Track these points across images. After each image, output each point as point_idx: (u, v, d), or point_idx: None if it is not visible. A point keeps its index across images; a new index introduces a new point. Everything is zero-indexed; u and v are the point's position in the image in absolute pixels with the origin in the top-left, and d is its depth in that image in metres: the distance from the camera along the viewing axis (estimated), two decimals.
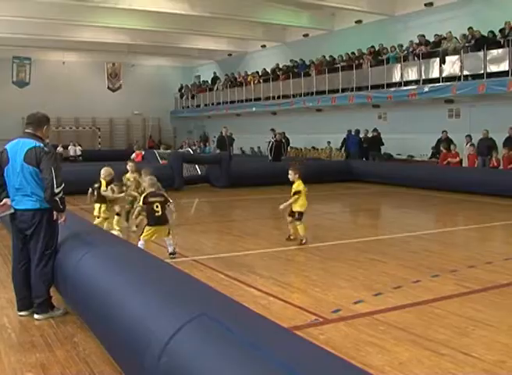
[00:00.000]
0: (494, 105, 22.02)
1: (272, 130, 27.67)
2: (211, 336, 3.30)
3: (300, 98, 31.31)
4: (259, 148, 35.35)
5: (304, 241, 10.34)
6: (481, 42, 21.94)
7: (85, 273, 5.45)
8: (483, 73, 21.79)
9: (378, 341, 5.46)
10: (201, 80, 46.15)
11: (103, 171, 11.11)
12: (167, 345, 3.40)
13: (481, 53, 22.01)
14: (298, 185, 10.61)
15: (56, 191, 5.94)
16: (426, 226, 13.56)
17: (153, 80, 45.47)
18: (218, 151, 25.52)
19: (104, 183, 10.97)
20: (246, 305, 4.32)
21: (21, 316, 6.30)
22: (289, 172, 10.81)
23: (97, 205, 11.01)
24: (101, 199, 10.97)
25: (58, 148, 37.92)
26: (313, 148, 31.90)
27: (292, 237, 10.67)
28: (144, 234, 9.18)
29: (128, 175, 12.27)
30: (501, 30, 21.80)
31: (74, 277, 5.62)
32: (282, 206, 10.61)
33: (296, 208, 10.51)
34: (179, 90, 46.42)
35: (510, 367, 4.88)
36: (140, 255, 5.97)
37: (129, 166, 12.49)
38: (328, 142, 30.33)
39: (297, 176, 10.74)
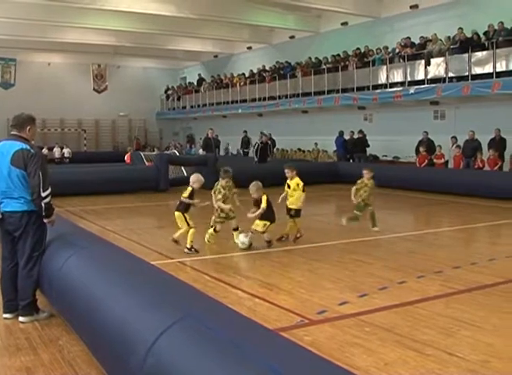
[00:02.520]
0: (479, 107, 22.16)
1: (262, 133, 27.65)
2: (196, 337, 3.30)
3: (286, 100, 31.38)
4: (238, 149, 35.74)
5: (298, 235, 10.70)
6: (466, 44, 22.07)
7: (70, 276, 5.42)
8: (468, 75, 21.94)
9: (364, 342, 5.47)
10: (187, 81, 46.11)
11: (192, 177, 10.43)
12: (152, 347, 3.39)
13: (465, 55, 22.16)
14: (298, 181, 10.69)
15: (43, 194, 5.91)
16: (411, 228, 13.62)
17: (139, 81, 45.42)
18: (201, 151, 25.58)
19: (189, 190, 10.08)
20: (231, 307, 4.32)
21: (6, 318, 6.26)
22: (286, 170, 10.83)
23: (177, 214, 10.05)
24: (183, 207, 10.01)
25: (43, 150, 37.78)
26: (299, 149, 31.93)
27: (284, 238, 10.77)
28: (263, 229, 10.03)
29: (222, 182, 11.19)
30: (485, 33, 21.95)
31: (59, 280, 5.60)
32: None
33: (294, 205, 10.69)
34: (165, 91, 46.37)
35: (495, 367, 4.91)
36: (126, 257, 5.94)
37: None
38: (316, 144, 30.37)
39: (295, 172, 10.80)
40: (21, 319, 6.18)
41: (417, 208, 17.18)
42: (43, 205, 5.95)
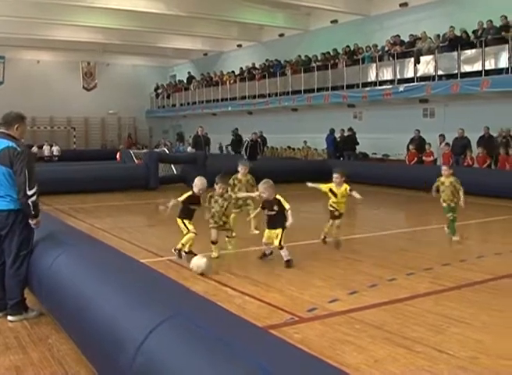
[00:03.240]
0: (468, 105, 22.22)
1: (255, 133, 27.61)
2: (185, 335, 3.30)
3: (276, 98, 31.38)
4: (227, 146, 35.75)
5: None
6: (455, 42, 22.14)
7: (59, 274, 5.41)
8: (457, 73, 22.01)
9: (354, 340, 5.48)
10: (177, 79, 46.04)
11: (196, 180, 9.31)
12: (142, 345, 3.39)
13: (455, 53, 22.22)
14: (347, 186, 10.09)
15: (29, 193, 5.87)
16: (401, 225, 13.67)
17: (128, 79, 45.24)
18: (190, 149, 25.55)
19: (187, 193, 9.19)
20: (221, 305, 4.33)
21: None
22: (335, 175, 10.07)
23: (178, 220, 9.35)
24: (181, 212, 9.26)
25: (32, 148, 37.63)
26: (289, 147, 31.94)
27: (326, 239, 10.37)
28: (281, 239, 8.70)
29: (239, 176, 11.37)
30: (474, 32, 22.02)
31: (48, 278, 5.58)
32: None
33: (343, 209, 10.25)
34: (155, 89, 46.26)
35: (484, 363, 4.93)
36: (115, 255, 5.92)
37: (243, 167, 11.51)
38: (305, 142, 30.39)
39: (343, 179, 10.11)
40: (10, 318, 6.16)
41: (407, 205, 17.24)
42: (30, 203, 5.91)
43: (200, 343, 3.17)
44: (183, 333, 3.33)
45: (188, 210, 9.16)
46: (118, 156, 28.73)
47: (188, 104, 41.01)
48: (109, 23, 32.27)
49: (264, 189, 8.69)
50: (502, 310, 6.45)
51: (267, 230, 8.74)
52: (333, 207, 10.13)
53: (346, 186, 9.98)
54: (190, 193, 9.10)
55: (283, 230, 8.55)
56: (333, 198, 10.05)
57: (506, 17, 21.06)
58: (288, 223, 8.44)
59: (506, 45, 20.61)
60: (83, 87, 44.72)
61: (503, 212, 14.57)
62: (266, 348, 3.10)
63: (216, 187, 9.32)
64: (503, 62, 20.73)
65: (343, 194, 10.02)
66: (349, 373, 3.00)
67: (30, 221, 6.05)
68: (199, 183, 9.13)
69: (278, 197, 8.63)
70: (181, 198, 9.09)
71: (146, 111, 46.72)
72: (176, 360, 3.10)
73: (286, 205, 8.49)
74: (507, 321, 6.11)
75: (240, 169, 11.44)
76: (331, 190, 10.03)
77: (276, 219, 8.61)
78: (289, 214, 8.46)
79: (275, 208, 8.56)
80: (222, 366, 2.88)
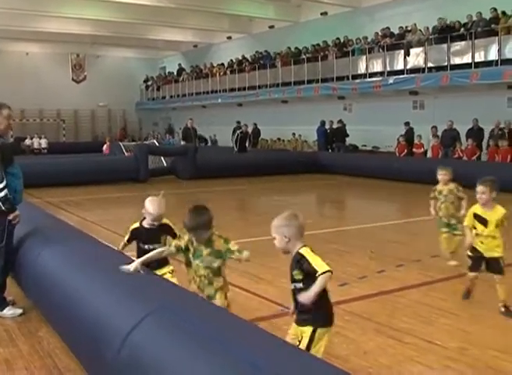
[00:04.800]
0: (457, 97, 22.27)
1: (245, 125, 27.59)
2: (170, 328, 3.30)
3: (266, 90, 31.35)
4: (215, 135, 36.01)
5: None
6: (446, 31, 22.21)
7: (45, 268, 5.39)
8: (447, 65, 22.05)
9: (343, 331, 5.50)
10: (167, 71, 45.90)
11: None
12: (127, 338, 3.39)
13: (444, 45, 22.27)
14: (500, 210, 6.50)
15: None
16: (391, 217, 13.69)
17: (118, 71, 45.06)
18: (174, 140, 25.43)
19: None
20: None
21: None
22: (481, 189, 6.74)
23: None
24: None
25: (26, 141, 37.50)
26: (278, 139, 31.95)
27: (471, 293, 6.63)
28: None
29: (440, 186, 8.76)
30: (464, 24, 22.07)
31: (34, 273, 5.57)
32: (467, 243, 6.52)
33: (498, 251, 6.31)
34: (145, 81, 46.10)
35: (472, 354, 4.97)
36: (102, 249, 5.90)
37: (443, 173, 8.78)
38: (293, 134, 30.40)
39: (494, 194, 6.63)
40: None
41: (397, 197, 17.28)
42: None
43: (184, 336, 3.18)
44: (168, 326, 3.34)
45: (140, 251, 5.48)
46: (105, 148, 28.67)
47: (178, 96, 40.91)
48: (99, 15, 32.11)
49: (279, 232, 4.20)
50: (490, 301, 6.48)
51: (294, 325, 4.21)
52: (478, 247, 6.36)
53: (501, 209, 6.53)
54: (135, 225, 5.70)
55: (328, 328, 4.19)
56: (480, 229, 6.39)
57: (495, 9, 21.11)
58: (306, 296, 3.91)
59: (496, 38, 20.67)
60: (73, 79, 44.56)
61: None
62: (253, 341, 3.10)
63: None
64: (493, 55, 20.79)
65: (497, 220, 6.38)
66: (336, 366, 3.00)
67: (9, 217, 5.89)
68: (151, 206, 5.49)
69: (306, 250, 4.09)
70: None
71: (136, 103, 46.57)
72: (160, 353, 3.10)
73: (322, 268, 3.95)
74: (496, 312, 6.13)
75: (439, 175, 8.77)
76: (477, 216, 6.54)
77: (319, 307, 4.05)
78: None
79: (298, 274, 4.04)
80: (208, 359, 2.88)
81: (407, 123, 22.97)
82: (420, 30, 23.81)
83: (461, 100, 22.07)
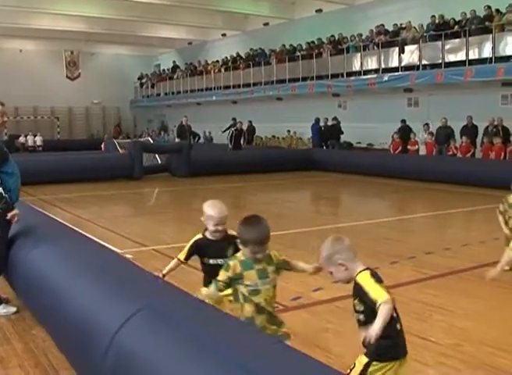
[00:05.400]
0: (452, 94, 22.30)
1: (234, 119, 27.63)
2: (159, 327, 3.26)
3: (261, 87, 31.36)
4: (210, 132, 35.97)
5: None
6: (442, 28, 22.27)
7: (34, 268, 5.35)
8: (441, 63, 22.09)
9: (338, 328, 5.50)
10: (161, 68, 45.85)
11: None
12: (114, 338, 3.36)
13: (439, 43, 22.31)
14: None
15: None
16: (385, 214, 13.70)
17: (112, 68, 44.95)
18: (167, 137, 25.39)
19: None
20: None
21: None
22: None
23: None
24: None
25: (20, 138, 37.45)
26: (273, 136, 31.95)
27: None
28: None
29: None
30: (458, 22, 22.11)
31: (24, 272, 5.55)
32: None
33: None
34: (139, 79, 46.03)
35: (466, 351, 4.97)
36: (92, 247, 5.85)
37: None
38: (288, 131, 30.43)
39: None
40: None
41: (391, 194, 17.30)
42: None
43: (170, 336, 3.14)
44: (155, 324, 3.31)
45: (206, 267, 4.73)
46: (103, 146, 28.68)
47: (172, 93, 40.87)
48: (93, 12, 32.04)
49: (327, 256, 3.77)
50: (485, 298, 6.50)
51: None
52: None
53: None
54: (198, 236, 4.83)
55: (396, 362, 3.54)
56: None
57: (489, 7, 21.15)
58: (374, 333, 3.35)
59: (490, 35, 20.71)
60: (67, 76, 44.45)
61: (487, 201, 14.59)
62: (243, 341, 3.05)
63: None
64: (487, 52, 20.83)
65: None
66: (331, 367, 2.96)
67: (8, 216, 5.86)
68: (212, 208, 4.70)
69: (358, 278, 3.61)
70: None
71: (130, 100, 46.49)
72: (148, 353, 3.06)
73: (381, 298, 3.45)
74: (490, 309, 6.16)
75: None
76: None
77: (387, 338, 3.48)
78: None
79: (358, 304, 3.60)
80: (196, 358, 2.84)
81: (403, 121, 22.99)
82: (414, 28, 23.83)
83: (456, 97, 22.10)
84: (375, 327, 3.32)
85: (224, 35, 39.01)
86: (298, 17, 32.34)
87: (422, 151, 21.77)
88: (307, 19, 31.37)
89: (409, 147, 22.17)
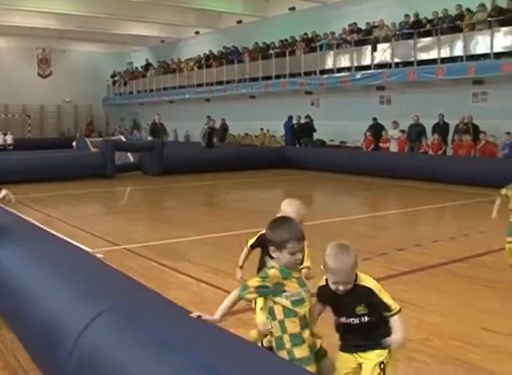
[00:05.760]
0: (424, 92, 22.46)
1: (209, 117, 27.58)
2: (122, 328, 3.22)
3: (234, 85, 31.31)
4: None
5: None
6: (415, 26, 22.44)
7: (1, 268, 5.23)
8: (413, 61, 22.25)
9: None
10: (134, 66, 45.61)
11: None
12: (78, 339, 3.31)
13: (411, 41, 22.46)
14: None
15: None
16: (358, 211, 13.76)
17: (84, 66, 44.59)
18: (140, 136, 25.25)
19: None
20: (177, 292, 4.28)
21: None
22: None
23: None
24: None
25: None
26: (246, 134, 31.93)
27: None
28: None
29: None
30: (430, 21, 22.28)
31: None
32: None
33: None
34: (112, 76, 45.73)
35: (435, 345, 5.02)
36: (59, 247, 5.77)
37: None
38: (261, 129, 30.43)
39: None
40: None
41: (364, 191, 17.39)
42: None
43: (138, 337, 3.09)
44: (120, 325, 3.26)
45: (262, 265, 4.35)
46: (74, 145, 28.43)
47: (145, 91, 40.70)
48: (64, 9, 31.76)
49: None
50: (455, 294, 6.55)
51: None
52: None
53: None
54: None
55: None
56: None
57: (460, 6, 21.37)
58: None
59: (461, 34, 20.91)
60: (39, 74, 44.02)
61: (457, 198, 14.77)
62: (213, 342, 3.01)
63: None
64: (458, 51, 21.02)
65: None
66: (302, 368, 2.94)
67: None
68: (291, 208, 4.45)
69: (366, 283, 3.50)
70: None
71: (103, 98, 46.16)
72: (111, 354, 3.03)
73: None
74: (460, 304, 6.20)
75: None
76: None
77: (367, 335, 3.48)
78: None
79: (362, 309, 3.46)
80: (162, 359, 2.79)
81: (374, 119, 23.11)
82: (387, 26, 23.96)
83: (427, 95, 22.26)
84: (403, 335, 3.42)
85: (197, 33, 38.88)
86: (272, 15, 32.33)
87: (394, 148, 21.89)
88: (280, 17, 31.38)
89: (381, 144, 22.30)
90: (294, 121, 26.53)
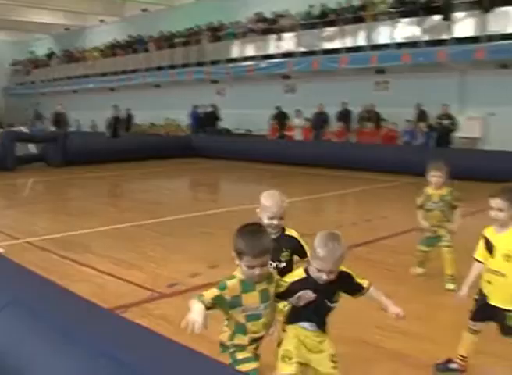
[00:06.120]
0: (328, 81, 22.83)
1: (116, 106, 27.14)
2: (23, 322, 3.16)
3: (139, 74, 31.00)
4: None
5: None
6: (319, 16, 22.82)
7: None
8: (318, 50, 22.61)
9: (215, 313, 5.50)
10: (36, 55, 44.27)
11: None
12: None
13: (316, 31, 22.80)
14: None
15: None
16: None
17: None
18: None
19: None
20: (80, 285, 4.21)
21: None
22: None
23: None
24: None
25: None
26: (152, 124, 31.63)
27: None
28: None
29: (430, 189, 6.65)
30: (335, 11, 22.68)
31: None
32: None
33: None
34: (13, 65, 44.25)
35: (338, 327, 5.13)
36: None
37: (436, 175, 6.50)
38: (167, 118, 30.24)
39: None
40: None
41: (269, 179, 17.54)
42: None
43: (36, 331, 3.05)
44: (20, 321, 3.21)
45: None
46: None
47: (48, 81, 39.66)
48: None
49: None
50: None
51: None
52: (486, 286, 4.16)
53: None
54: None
55: None
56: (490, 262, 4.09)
57: None
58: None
59: (364, 24, 21.39)
60: None
61: (358, 184, 15.10)
62: (113, 331, 3.00)
63: None
64: (361, 40, 21.52)
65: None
66: (208, 357, 2.91)
67: None
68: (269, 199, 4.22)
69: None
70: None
71: (2, 88, 44.67)
72: (13, 349, 2.99)
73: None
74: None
75: (431, 177, 6.59)
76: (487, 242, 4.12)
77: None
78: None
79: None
80: (64, 353, 2.77)
81: (277, 107, 23.33)
82: (292, 16, 24.21)
83: (331, 84, 22.64)
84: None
85: (102, 21, 38.17)
86: (177, 3, 32.15)
87: (299, 136, 22.20)
88: (186, 6, 31.24)
89: (286, 132, 22.57)
90: (200, 110, 26.45)
